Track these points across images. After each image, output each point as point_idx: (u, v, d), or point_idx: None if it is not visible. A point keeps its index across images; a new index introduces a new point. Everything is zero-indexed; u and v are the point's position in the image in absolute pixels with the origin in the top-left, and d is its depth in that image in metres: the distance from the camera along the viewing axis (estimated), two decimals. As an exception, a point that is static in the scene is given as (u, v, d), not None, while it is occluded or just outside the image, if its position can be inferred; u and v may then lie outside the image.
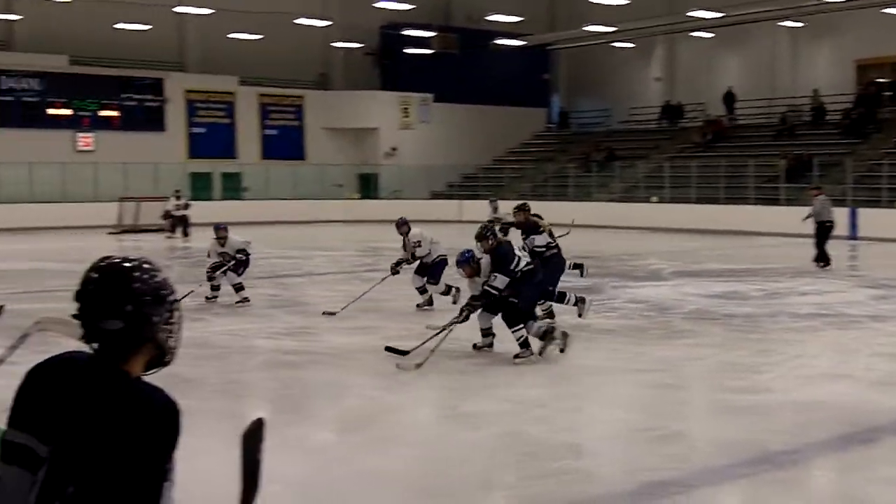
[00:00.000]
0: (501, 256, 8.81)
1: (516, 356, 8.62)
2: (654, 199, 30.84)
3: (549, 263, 10.35)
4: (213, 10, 30.55)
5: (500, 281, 8.62)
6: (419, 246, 11.97)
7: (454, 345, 9.68)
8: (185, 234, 26.25)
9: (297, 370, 8.51)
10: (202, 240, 24.79)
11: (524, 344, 8.65)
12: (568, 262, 11.22)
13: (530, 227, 10.79)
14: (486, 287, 8.68)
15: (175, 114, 34.04)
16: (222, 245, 12.34)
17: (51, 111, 31.60)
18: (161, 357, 2.15)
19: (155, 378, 2.14)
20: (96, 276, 2.09)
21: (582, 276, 11.96)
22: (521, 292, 8.74)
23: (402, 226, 12.37)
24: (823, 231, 17.56)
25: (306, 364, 8.80)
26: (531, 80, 40.52)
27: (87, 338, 2.08)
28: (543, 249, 10.48)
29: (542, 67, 41.33)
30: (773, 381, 8.12)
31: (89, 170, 31.04)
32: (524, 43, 36.84)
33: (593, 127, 39.65)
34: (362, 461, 5.89)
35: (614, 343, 9.88)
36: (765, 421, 6.81)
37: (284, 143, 36.44)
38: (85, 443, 1.98)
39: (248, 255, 12.47)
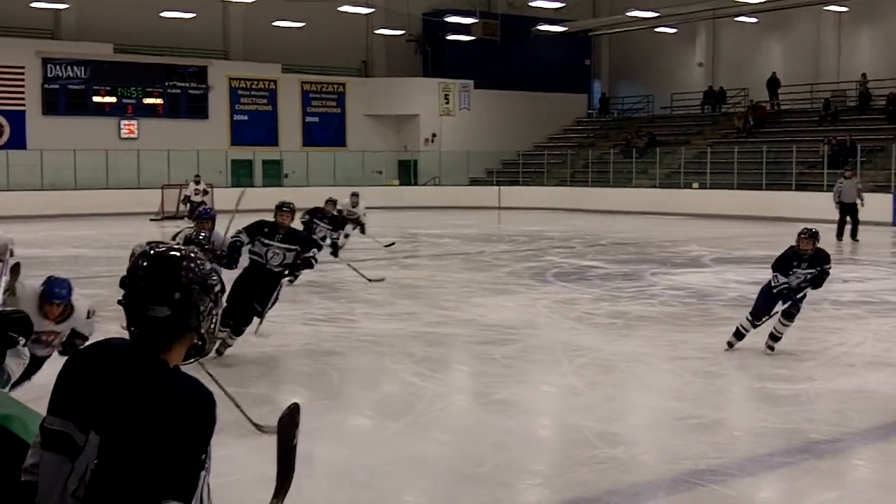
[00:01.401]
0: None
1: None
2: (696, 185, 30.57)
3: None
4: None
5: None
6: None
7: (489, 332, 9.70)
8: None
9: (334, 356, 8.55)
10: (234, 225, 25.01)
11: None
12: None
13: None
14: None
15: (218, 101, 34.27)
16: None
17: (95, 99, 31.93)
18: (201, 346, 2.17)
19: (195, 364, 2.16)
20: (146, 263, 2.12)
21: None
22: None
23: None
24: (847, 209, 20.00)
25: (344, 350, 8.84)
26: (572, 65, 40.29)
27: (130, 324, 2.10)
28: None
29: (583, 53, 41.08)
30: (814, 369, 8.04)
31: (132, 157, 31.39)
32: (566, 29, 36.61)
33: (635, 113, 39.40)
34: (399, 447, 5.92)
35: (653, 330, 9.82)
36: (805, 410, 6.74)
37: (325, 130, 36.57)
38: (122, 432, 2.00)
39: None
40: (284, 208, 8.90)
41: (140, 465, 1.98)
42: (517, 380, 7.76)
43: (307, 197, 33.56)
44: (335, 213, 14.72)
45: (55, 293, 6.13)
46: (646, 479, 5.39)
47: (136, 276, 2.10)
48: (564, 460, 5.75)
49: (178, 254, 2.14)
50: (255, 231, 8.60)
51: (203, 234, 8.51)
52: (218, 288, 2.16)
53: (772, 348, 8.45)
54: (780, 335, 8.45)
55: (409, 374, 7.88)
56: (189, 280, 2.10)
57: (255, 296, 8.35)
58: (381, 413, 6.79)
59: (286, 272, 8.73)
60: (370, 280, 13.05)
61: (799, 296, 8.46)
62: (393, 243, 18.08)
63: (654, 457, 5.80)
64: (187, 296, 2.09)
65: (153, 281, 2.09)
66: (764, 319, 8.50)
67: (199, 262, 2.15)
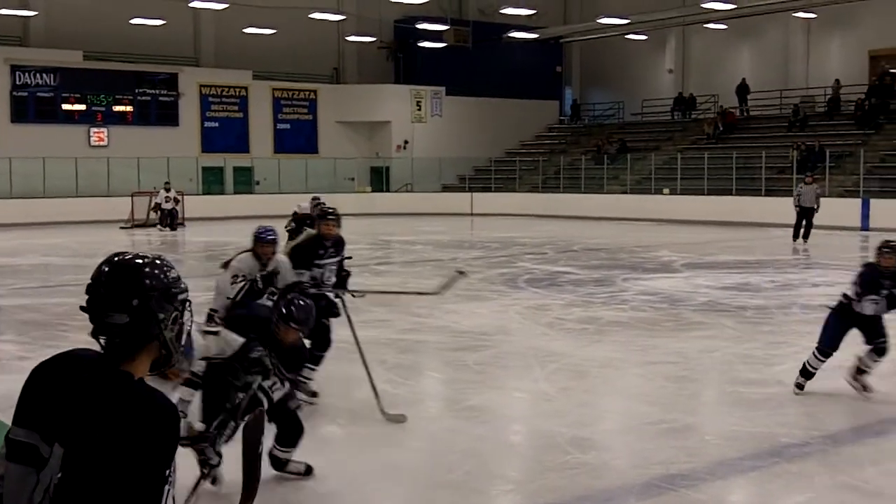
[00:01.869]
0: None
1: None
2: (667, 191, 30.77)
3: None
4: (227, 5, 30.59)
5: None
6: None
7: (461, 339, 9.70)
8: (173, 228, 26.20)
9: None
10: (199, 234, 25.07)
11: None
12: None
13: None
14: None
15: (188, 108, 34.11)
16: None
17: (65, 106, 31.69)
18: (168, 358, 2.12)
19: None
20: (107, 269, 2.09)
21: None
22: None
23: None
24: (804, 213, 20.84)
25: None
26: (544, 72, 40.47)
27: (95, 332, 2.08)
28: None
29: (554, 60, 41.26)
30: (784, 373, 8.09)
31: (102, 165, 31.15)
32: (537, 36, 36.78)
33: (606, 119, 39.62)
34: (371, 454, 5.90)
35: (625, 336, 9.86)
36: (776, 414, 6.79)
37: (297, 137, 36.50)
38: (85, 445, 1.96)
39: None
40: (330, 217, 7.46)
41: (103, 479, 1.94)
42: (489, 386, 7.77)
43: (279, 204, 33.60)
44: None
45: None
46: (617, 484, 5.40)
47: (98, 282, 2.07)
48: (536, 466, 5.75)
49: (141, 260, 2.10)
50: (310, 258, 7.26)
51: (266, 268, 6.90)
52: (183, 296, 2.12)
53: (865, 387, 7.23)
54: (868, 370, 7.27)
55: (381, 382, 7.84)
56: (149, 287, 2.06)
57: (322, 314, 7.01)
58: (354, 421, 6.77)
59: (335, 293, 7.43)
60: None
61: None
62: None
63: (625, 462, 5.82)
64: (145, 303, 2.05)
65: (112, 287, 2.06)
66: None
67: (163, 269, 2.11)
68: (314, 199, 15.74)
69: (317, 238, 7.38)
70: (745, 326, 10.34)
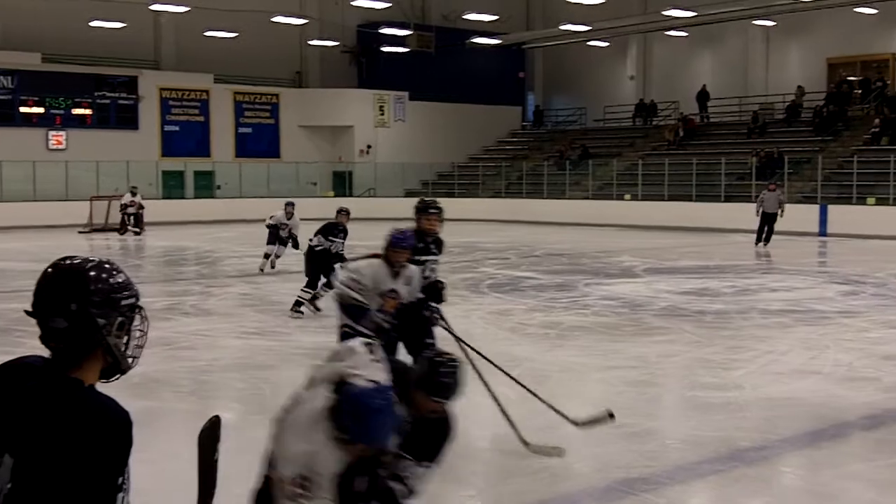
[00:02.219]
0: None
1: None
2: (628, 196, 30.97)
3: None
4: (189, 8, 30.36)
5: None
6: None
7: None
8: (136, 233, 25.92)
9: (267, 370, 8.44)
10: (159, 238, 24.79)
11: None
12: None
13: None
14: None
15: (149, 112, 33.81)
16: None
17: (23, 109, 31.27)
18: (115, 366, 2.06)
19: (123, 379, 2.07)
20: (50, 271, 2.04)
21: None
22: None
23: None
24: (767, 219, 21.74)
25: (277, 364, 8.74)
26: (507, 78, 40.57)
27: (41, 337, 2.03)
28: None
29: (518, 66, 41.39)
30: (743, 377, 8.16)
31: (61, 168, 30.78)
32: (500, 42, 36.88)
33: (568, 125, 39.80)
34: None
35: (587, 340, 9.90)
36: (735, 418, 6.84)
37: (259, 141, 36.30)
38: (34, 454, 1.92)
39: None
40: (432, 209, 6.62)
41: (54, 489, 1.89)
42: (451, 391, 7.74)
43: (240, 209, 33.36)
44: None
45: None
46: (578, 489, 5.42)
47: (40, 285, 2.03)
48: (498, 471, 5.75)
49: (85, 264, 2.04)
50: (416, 252, 6.35)
51: (398, 276, 6.09)
52: (128, 303, 2.06)
53: None
54: None
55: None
56: (90, 291, 2.00)
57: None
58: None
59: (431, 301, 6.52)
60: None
61: None
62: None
63: (586, 466, 5.84)
64: (84, 308, 1.99)
65: (52, 291, 2.00)
66: None
67: (107, 272, 2.05)
68: (288, 204, 15.61)
69: (419, 234, 6.44)
70: (704, 331, 10.42)
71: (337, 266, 10.98)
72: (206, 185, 34.59)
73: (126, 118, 33.25)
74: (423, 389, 3.44)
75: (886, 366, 8.62)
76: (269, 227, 15.67)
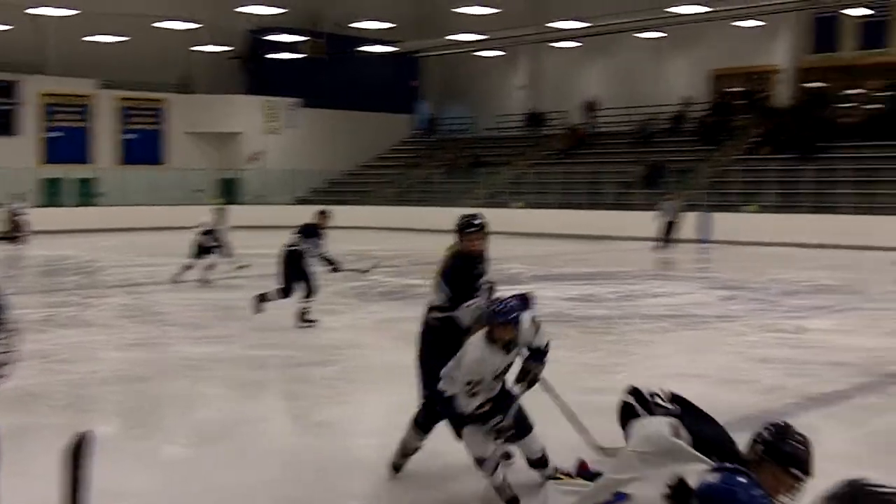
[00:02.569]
0: None
1: None
2: (520, 203, 31.29)
3: None
4: (73, 12, 29.46)
5: None
6: None
7: (311, 353, 9.59)
8: (14, 239, 24.99)
9: (146, 382, 8.23)
10: (38, 248, 23.94)
11: None
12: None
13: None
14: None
15: (29, 117, 32.75)
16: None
17: None
18: None
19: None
20: None
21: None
22: None
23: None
24: (667, 228, 22.97)
25: (156, 376, 8.52)
26: (400, 86, 40.58)
27: None
28: None
29: (410, 74, 41.45)
30: (626, 381, 8.25)
31: (-67, 175, 29.50)
32: (393, 49, 36.88)
33: (459, 133, 40.04)
34: (215, 475, 5.73)
35: (474, 348, 9.93)
36: (617, 422, 6.93)
37: (144, 148, 35.49)
38: None
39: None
40: (476, 227, 5.85)
41: None
42: (339, 401, 7.69)
43: (124, 217, 32.50)
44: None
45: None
46: (463, 496, 5.43)
47: None
48: (383, 480, 5.72)
49: None
50: (470, 282, 5.78)
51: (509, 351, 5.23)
52: None
53: None
54: None
55: (226, 400, 7.69)
56: None
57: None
58: (196, 441, 6.58)
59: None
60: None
61: None
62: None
63: (470, 473, 5.84)
64: None
65: None
66: None
67: None
68: (217, 210, 15.23)
69: (466, 258, 5.74)
70: (588, 336, 10.60)
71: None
72: (88, 193, 33.65)
73: (4, 124, 32.20)
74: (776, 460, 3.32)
75: (763, 368, 8.89)
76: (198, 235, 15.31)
